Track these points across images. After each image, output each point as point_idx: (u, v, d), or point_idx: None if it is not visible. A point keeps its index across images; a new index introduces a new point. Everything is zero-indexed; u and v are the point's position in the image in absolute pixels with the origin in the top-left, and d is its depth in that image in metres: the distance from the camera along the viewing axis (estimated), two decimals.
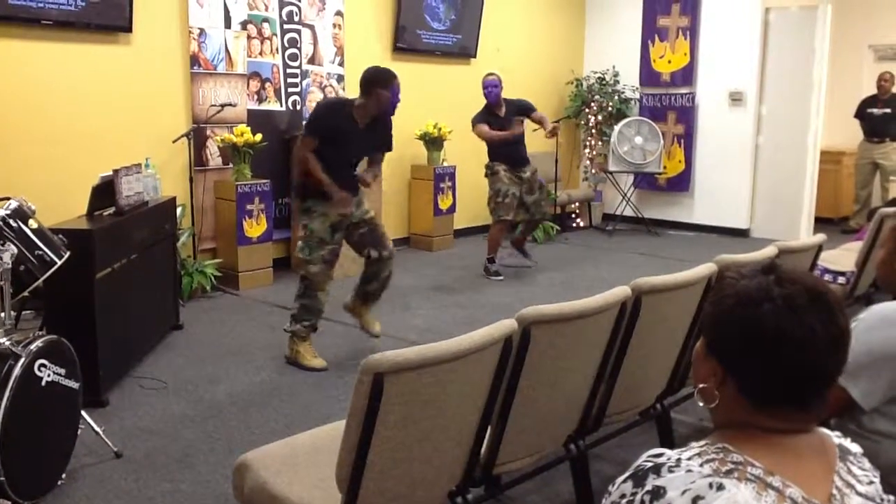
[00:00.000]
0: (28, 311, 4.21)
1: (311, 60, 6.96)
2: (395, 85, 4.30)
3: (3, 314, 2.89)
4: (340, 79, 7.17)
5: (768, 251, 3.27)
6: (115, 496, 2.98)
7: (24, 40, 5.19)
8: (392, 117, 4.49)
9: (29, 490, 2.82)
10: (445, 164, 7.80)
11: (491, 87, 6.46)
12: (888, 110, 8.72)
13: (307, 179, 4.34)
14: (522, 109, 6.60)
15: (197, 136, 6.09)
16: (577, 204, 9.25)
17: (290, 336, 4.49)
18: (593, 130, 9.30)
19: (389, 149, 4.61)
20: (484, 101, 6.53)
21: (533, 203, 6.64)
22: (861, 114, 8.91)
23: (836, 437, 1.25)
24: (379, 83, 4.27)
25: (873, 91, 8.92)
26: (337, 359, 4.54)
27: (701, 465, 1.12)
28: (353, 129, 4.34)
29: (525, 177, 6.58)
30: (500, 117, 6.51)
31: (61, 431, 3.05)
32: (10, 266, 2.88)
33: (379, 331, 4.80)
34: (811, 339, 1.13)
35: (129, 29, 5.63)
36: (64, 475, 3.03)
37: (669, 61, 9.04)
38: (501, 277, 6.64)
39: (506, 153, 6.50)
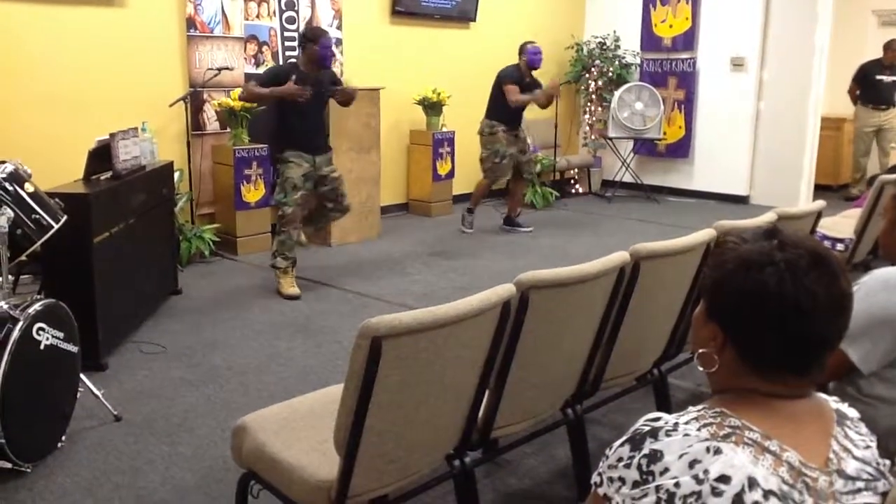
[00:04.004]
0: (26, 276, 4.21)
1: (309, 24, 6.87)
2: (325, 39, 4.99)
3: (0, 278, 2.89)
4: (338, 42, 7.09)
5: (768, 217, 3.26)
6: (115, 458, 3.00)
7: (18, 3, 5.13)
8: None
9: (29, 452, 2.84)
10: (444, 129, 7.75)
11: (539, 53, 6.71)
12: (895, 78, 8.62)
13: (283, 132, 5.00)
14: (537, 82, 6.87)
15: (194, 101, 6.04)
16: (576, 170, 9.21)
17: (274, 271, 5.14)
18: (593, 96, 9.24)
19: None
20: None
21: (525, 163, 6.94)
22: (866, 79, 8.74)
23: (833, 401, 1.25)
24: (309, 38, 5.00)
25: (875, 56, 8.78)
26: (335, 324, 4.56)
27: (698, 430, 1.12)
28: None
29: (521, 136, 6.90)
30: (527, 82, 6.78)
31: (61, 395, 3.06)
32: (6, 230, 2.87)
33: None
34: (813, 303, 1.12)
35: None
36: (64, 438, 3.06)
37: (671, 26, 8.94)
38: (471, 231, 7.00)
39: (508, 113, 6.70)
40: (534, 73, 6.81)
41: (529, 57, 6.67)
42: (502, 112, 6.68)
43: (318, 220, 5.40)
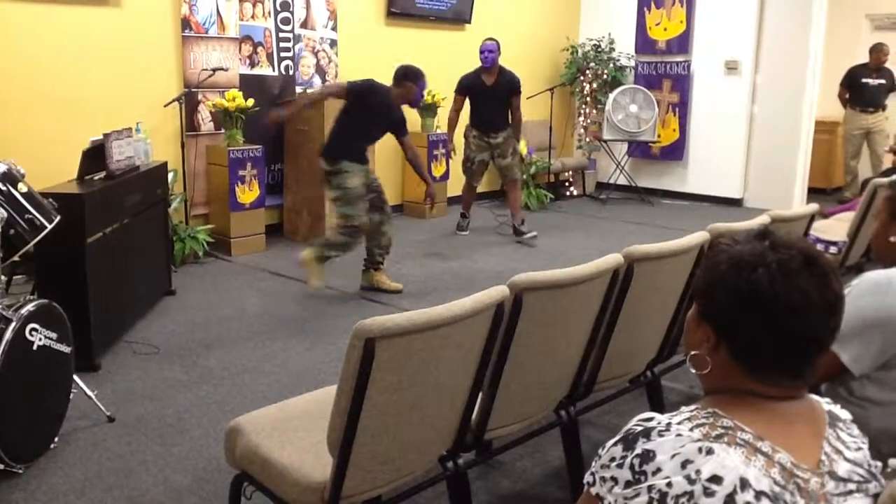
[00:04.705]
0: (19, 276, 4.19)
1: (304, 24, 6.88)
2: (423, 81, 5.06)
3: None
4: (333, 43, 7.09)
5: (761, 220, 3.27)
6: (108, 459, 2.99)
7: (12, 2, 5.11)
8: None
9: (22, 453, 2.83)
10: (439, 131, 7.75)
11: (487, 51, 6.63)
12: (882, 81, 8.66)
13: (342, 142, 4.94)
14: (511, 87, 6.72)
15: (188, 101, 6.03)
16: (570, 172, 9.22)
17: (315, 253, 4.97)
18: (588, 98, 9.25)
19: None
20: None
21: (505, 167, 6.85)
22: (854, 83, 8.77)
23: (826, 403, 1.25)
24: (409, 77, 5.01)
25: (866, 60, 8.81)
26: (330, 325, 4.55)
27: (691, 430, 1.12)
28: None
29: (495, 142, 6.78)
30: (488, 86, 6.69)
31: (54, 395, 3.05)
32: None
33: (400, 286, 5.23)
34: (805, 303, 1.13)
35: None
36: (57, 439, 3.05)
37: (665, 29, 8.97)
38: (467, 233, 7.06)
39: (478, 118, 6.76)
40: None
41: (480, 56, 6.65)
42: (472, 116, 6.79)
43: (372, 238, 5.12)
